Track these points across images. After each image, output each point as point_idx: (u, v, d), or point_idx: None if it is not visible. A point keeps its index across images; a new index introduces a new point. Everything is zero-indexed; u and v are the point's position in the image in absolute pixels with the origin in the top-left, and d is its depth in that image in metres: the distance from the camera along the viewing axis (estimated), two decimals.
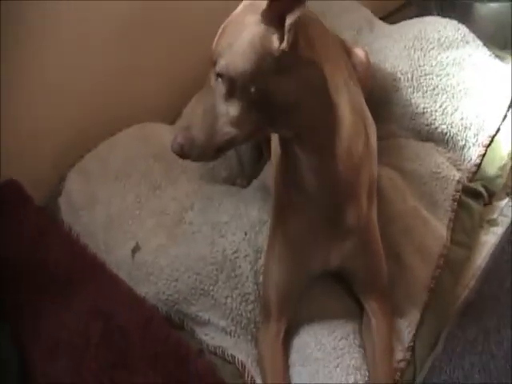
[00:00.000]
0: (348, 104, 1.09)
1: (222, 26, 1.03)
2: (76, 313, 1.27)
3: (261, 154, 1.59)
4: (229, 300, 1.31)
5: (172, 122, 1.76)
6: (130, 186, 1.53)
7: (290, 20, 0.93)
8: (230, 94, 1.00)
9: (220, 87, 1.00)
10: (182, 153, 1.05)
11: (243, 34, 0.97)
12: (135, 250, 1.43)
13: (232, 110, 1.01)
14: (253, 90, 0.98)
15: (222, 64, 0.98)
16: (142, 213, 1.47)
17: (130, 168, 1.56)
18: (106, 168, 1.58)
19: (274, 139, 1.28)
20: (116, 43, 1.64)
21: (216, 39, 1.02)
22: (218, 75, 1.00)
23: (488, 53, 1.71)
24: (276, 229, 1.26)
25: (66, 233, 1.48)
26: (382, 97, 1.64)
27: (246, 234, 1.37)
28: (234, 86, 0.99)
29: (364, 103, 1.32)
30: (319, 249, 1.21)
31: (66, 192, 1.56)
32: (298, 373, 1.20)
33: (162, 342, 1.19)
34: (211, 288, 1.33)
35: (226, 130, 1.02)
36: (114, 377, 1.12)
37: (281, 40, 0.95)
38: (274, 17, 0.95)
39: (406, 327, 1.27)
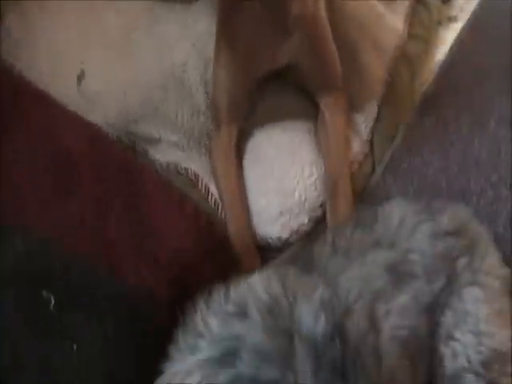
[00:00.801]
0: None
1: None
2: (18, 145, 1.21)
3: None
4: (179, 114, 1.25)
5: None
6: (71, 9, 1.43)
7: None
8: None
9: None
10: None
11: None
12: (80, 77, 1.36)
13: None
14: None
15: None
16: (85, 37, 1.39)
17: None
18: None
19: None
20: None
21: None
22: None
23: None
24: (221, 32, 1.19)
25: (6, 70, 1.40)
26: None
27: (193, 45, 1.30)
28: None
29: None
30: (265, 46, 1.15)
31: (4, 29, 1.47)
32: (251, 173, 1.17)
33: (107, 156, 1.13)
34: (160, 103, 1.27)
35: None
36: (57, 193, 1.06)
37: None
38: None
39: (363, 121, 1.23)
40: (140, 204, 1.06)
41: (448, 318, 0.87)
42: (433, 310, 0.86)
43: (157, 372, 0.73)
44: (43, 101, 1.31)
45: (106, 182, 1.09)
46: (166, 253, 0.94)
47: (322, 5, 1.18)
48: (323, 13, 1.19)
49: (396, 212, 0.92)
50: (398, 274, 0.85)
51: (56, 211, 1.05)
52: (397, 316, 0.81)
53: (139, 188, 1.07)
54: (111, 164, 1.13)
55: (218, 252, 0.99)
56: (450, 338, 0.86)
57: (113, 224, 1.00)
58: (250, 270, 1.06)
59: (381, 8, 1.35)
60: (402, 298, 0.82)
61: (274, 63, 1.17)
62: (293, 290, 0.70)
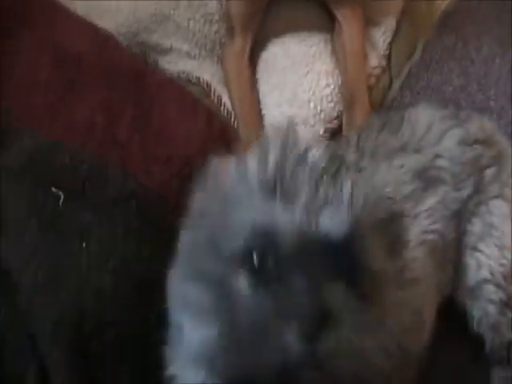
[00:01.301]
0: None
1: None
2: (24, 50, 1.17)
3: None
4: (191, 22, 1.21)
5: None
6: None
7: None
8: None
9: None
10: None
11: None
12: None
13: None
14: None
15: None
16: None
17: None
18: None
19: None
20: None
21: None
22: None
23: None
24: None
25: None
26: None
27: None
28: None
29: None
30: None
31: None
32: (265, 84, 1.14)
33: (117, 61, 1.10)
34: (172, 12, 1.22)
35: None
36: (66, 98, 1.04)
37: None
38: None
39: (381, 35, 1.19)
40: (152, 110, 1.04)
41: (475, 228, 0.87)
42: (460, 218, 0.86)
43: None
44: (49, 6, 1.27)
45: (116, 88, 1.07)
46: (178, 157, 0.92)
47: None
48: None
49: (423, 117, 0.90)
50: (426, 179, 0.84)
51: (65, 116, 1.03)
52: (425, 219, 0.80)
53: (152, 93, 1.05)
54: (122, 68, 1.10)
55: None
56: (475, 249, 0.86)
57: (124, 128, 0.98)
58: None
59: None
60: (430, 201, 0.81)
61: None
62: None
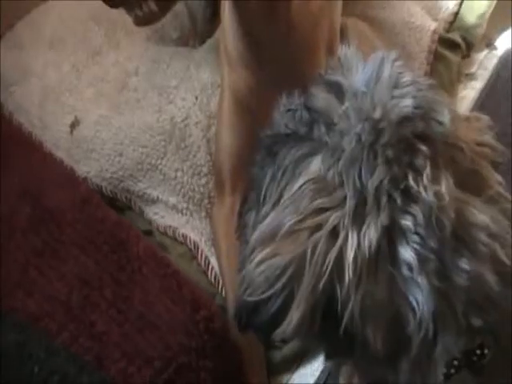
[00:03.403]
0: None
1: None
2: (1, 196, 1.11)
3: (215, 10, 1.40)
4: (179, 174, 1.16)
5: None
6: (66, 53, 1.36)
7: None
8: None
9: None
10: None
11: None
12: (74, 124, 1.27)
13: None
14: None
15: None
16: (80, 82, 1.31)
17: (66, 33, 1.38)
18: (39, 36, 1.40)
19: None
20: None
21: None
22: None
23: None
24: (225, 89, 1.10)
25: None
26: None
27: (196, 98, 1.21)
28: None
29: None
30: (271, 109, 1.06)
31: None
32: None
33: (98, 224, 1.03)
34: (159, 161, 1.17)
35: None
36: (41, 266, 0.98)
37: None
38: None
39: None
40: (134, 288, 0.96)
41: None
42: None
43: None
44: (26, 147, 1.22)
45: (96, 257, 1.00)
46: (159, 359, 0.85)
47: None
48: None
49: None
50: None
51: (41, 290, 0.96)
52: None
53: (134, 266, 0.98)
54: (104, 233, 1.04)
55: (217, 349, 0.90)
56: None
57: (102, 315, 0.91)
58: (251, 362, 0.98)
59: None
60: None
61: None
62: None
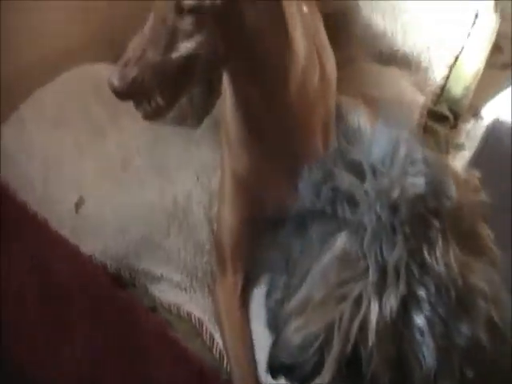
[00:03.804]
0: (302, 37, 0.99)
1: None
2: (11, 271, 1.14)
3: (212, 89, 1.46)
4: (182, 252, 1.20)
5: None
6: (69, 132, 1.39)
7: None
8: (199, 29, 0.86)
9: (186, 23, 0.87)
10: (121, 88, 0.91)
11: None
12: (79, 203, 1.31)
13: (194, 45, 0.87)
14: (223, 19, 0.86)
15: None
16: (83, 161, 1.34)
17: (69, 113, 1.42)
18: (43, 115, 1.44)
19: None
20: None
21: None
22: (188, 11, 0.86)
23: None
24: (226, 168, 1.15)
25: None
26: (339, 20, 1.50)
27: (198, 178, 1.25)
28: (205, 19, 0.85)
29: (321, 29, 1.21)
30: (272, 188, 1.10)
31: (1, 146, 1.42)
32: (258, 324, 1.11)
33: (106, 302, 1.07)
34: (162, 240, 1.21)
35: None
36: (50, 337, 1.00)
37: None
38: None
39: None
40: (140, 360, 1.00)
41: None
42: None
43: None
44: (36, 225, 1.25)
45: (107, 336, 1.03)
46: None
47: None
48: None
49: None
50: None
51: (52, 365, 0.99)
52: None
53: (144, 346, 1.01)
54: (113, 311, 1.07)
55: None
56: None
57: None
58: None
59: None
60: None
61: (282, 204, 1.12)
62: None
